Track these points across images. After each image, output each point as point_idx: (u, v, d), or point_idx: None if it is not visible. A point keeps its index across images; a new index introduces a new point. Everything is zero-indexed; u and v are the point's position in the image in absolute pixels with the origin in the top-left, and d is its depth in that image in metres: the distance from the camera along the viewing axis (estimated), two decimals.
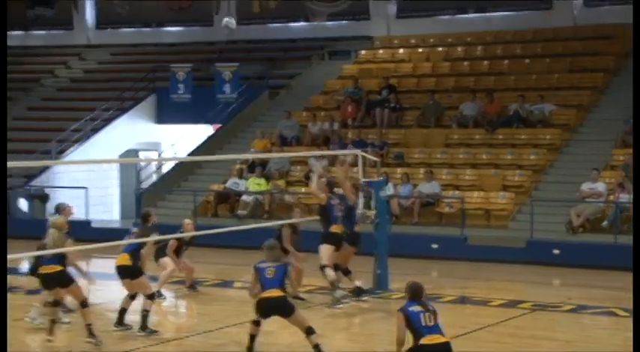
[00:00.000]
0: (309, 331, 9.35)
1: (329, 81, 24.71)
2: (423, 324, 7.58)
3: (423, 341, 7.47)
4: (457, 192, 19.11)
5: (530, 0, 24.07)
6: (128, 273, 10.84)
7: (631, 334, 11.28)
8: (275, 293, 9.33)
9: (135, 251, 10.82)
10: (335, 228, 12.80)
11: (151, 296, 10.77)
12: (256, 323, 9.41)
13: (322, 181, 13.47)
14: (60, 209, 11.78)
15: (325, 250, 12.51)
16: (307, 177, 20.09)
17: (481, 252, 17.08)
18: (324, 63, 26.17)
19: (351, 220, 12.99)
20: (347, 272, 13.03)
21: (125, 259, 10.85)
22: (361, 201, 14.20)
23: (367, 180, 14.32)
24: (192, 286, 13.83)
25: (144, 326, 10.65)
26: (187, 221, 13.88)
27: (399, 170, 20.12)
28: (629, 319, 12.08)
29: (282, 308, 9.35)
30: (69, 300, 11.36)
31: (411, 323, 7.61)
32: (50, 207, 22.28)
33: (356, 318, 12.14)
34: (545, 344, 10.40)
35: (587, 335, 11.38)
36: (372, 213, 14.09)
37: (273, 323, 9.92)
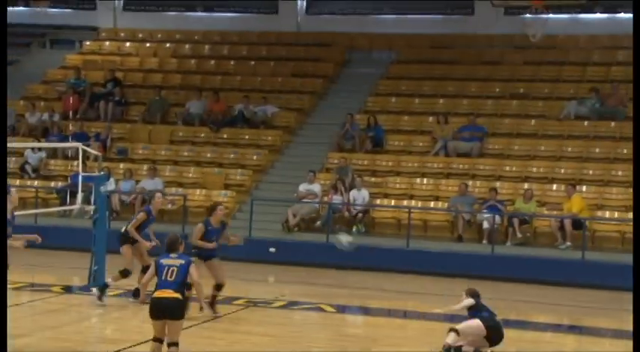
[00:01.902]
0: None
1: (50, 70, 23.78)
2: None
3: None
4: (180, 190, 19.17)
5: (258, 1, 24.69)
6: None
7: (339, 329, 12.05)
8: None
9: None
10: None
11: None
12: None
13: None
14: None
15: None
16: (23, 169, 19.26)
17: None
18: (46, 51, 25.15)
19: None
20: None
21: None
22: (80, 196, 13.85)
23: (88, 174, 13.97)
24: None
25: None
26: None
27: (121, 165, 19.81)
28: (336, 315, 12.84)
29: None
30: None
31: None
32: None
33: (66, 315, 11.81)
34: (257, 340, 10.74)
35: (297, 330, 11.91)
36: (90, 208, 13.78)
37: None
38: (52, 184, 19.56)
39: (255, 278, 15.85)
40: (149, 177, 19.10)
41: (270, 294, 14.04)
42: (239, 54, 24.17)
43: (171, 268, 8.35)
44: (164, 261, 8.44)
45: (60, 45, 25.10)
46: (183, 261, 8.46)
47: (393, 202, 18.38)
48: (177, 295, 8.22)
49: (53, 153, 20.33)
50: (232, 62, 23.84)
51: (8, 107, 21.60)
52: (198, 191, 19.20)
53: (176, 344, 8.24)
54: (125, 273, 12.28)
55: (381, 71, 22.76)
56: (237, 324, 11.60)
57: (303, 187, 18.41)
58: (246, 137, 20.87)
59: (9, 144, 19.64)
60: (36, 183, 19.73)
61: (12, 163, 20.27)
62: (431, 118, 20.47)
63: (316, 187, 18.37)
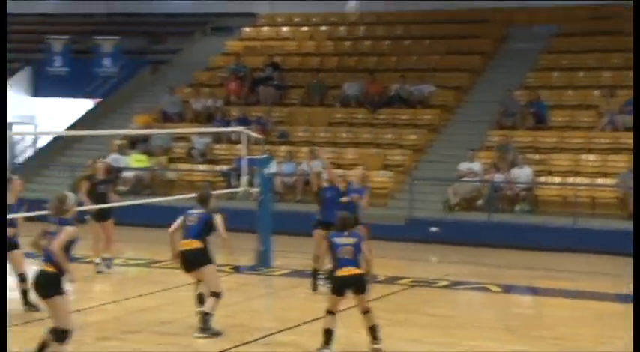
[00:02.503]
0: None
1: (212, 57, 24.49)
2: None
3: None
4: (340, 171, 19.31)
5: None
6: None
7: (506, 309, 11.83)
8: None
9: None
10: None
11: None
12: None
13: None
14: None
15: None
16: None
17: None
18: (207, 39, 25.91)
19: None
20: None
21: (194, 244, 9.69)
22: (245, 179, 14.23)
23: (251, 157, 14.32)
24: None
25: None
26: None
27: (282, 148, 20.19)
28: (502, 294, 12.60)
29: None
30: None
31: None
32: None
33: (239, 294, 12.16)
34: (422, 320, 10.70)
35: (462, 309, 11.79)
36: (255, 190, 14.14)
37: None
38: (218, 168, 20.19)
39: (418, 258, 15.80)
40: (309, 158, 19.32)
41: (434, 274, 13.94)
42: (394, 34, 24.07)
43: (347, 246, 8.70)
44: (338, 240, 8.73)
45: (220, 32, 25.81)
46: (356, 239, 8.78)
47: (557, 179, 17.83)
48: (361, 271, 8.68)
49: (218, 138, 20.97)
50: (387, 42, 23.77)
51: (175, 95, 22.50)
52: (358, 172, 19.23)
53: (369, 311, 8.81)
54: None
55: (541, 45, 22.08)
56: (401, 304, 11.58)
57: (463, 166, 18.17)
58: (404, 117, 20.78)
59: (177, 130, 20.56)
60: (202, 167, 20.42)
61: (180, 148, 21.10)
62: (596, 92, 19.70)
63: (477, 165, 18.08)
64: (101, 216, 13.14)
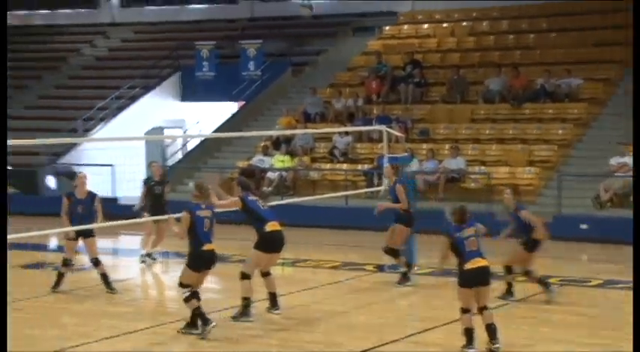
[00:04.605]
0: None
1: (353, 57, 24.61)
2: None
3: None
4: (483, 168, 19.02)
5: None
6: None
7: None
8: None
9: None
10: None
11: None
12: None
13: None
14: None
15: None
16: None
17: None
18: (349, 39, 26.06)
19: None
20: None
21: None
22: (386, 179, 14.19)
23: (392, 155, 14.28)
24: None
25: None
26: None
27: (424, 146, 20.05)
28: None
29: None
30: None
31: None
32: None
33: (382, 293, 12.15)
34: (574, 319, 10.37)
35: (613, 310, 11.33)
36: None
37: None
38: (359, 167, 20.26)
39: (568, 257, 15.32)
40: (451, 156, 19.15)
41: (585, 273, 13.47)
42: (538, 27, 23.44)
43: (471, 238, 8.70)
44: (461, 234, 8.67)
45: (362, 32, 25.90)
46: (476, 228, 8.81)
47: None
48: (487, 262, 8.71)
49: (359, 137, 21.05)
50: (532, 36, 23.18)
51: (317, 95, 22.77)
52: (501, 168, 18.91)
53: (487, 308, 8.74)
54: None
55: None
56: (548, 303, 11.25)
57: (614, 160, 17.48)
58: (550, 111, 20.21)
59: (319, 130, 20.79)
60: (344, 166, 20.57)
61: (322, 148, 21.32)
62: None
63: (629, 160, 17.34)
64: (156, 214, 13.60)
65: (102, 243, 16.94)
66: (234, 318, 10.20)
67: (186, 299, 9.46)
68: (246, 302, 10.23)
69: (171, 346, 9.36)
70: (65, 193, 12.12)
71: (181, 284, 9.53)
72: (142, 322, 10.15)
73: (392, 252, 12.46)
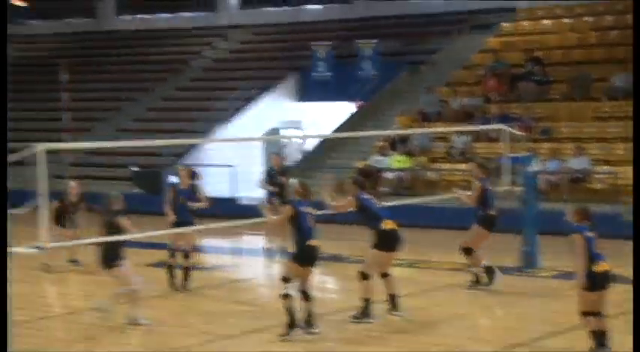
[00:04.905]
0: None
1: (470, 55, 24.26)
2: None
3: None
4: (609, 167, 18.40)
5: None
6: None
7: None
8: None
9: None
10: None
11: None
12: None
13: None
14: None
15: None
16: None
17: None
18: (465, 37, 25.70)
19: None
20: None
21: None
22: (506, 177, 13.92)
23: (513, 155, 14.00)
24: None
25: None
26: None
27: (545, 145, 19.56)
28: None
29: None
30: None
31: None
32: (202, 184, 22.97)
33: (503, 295, 11.91)
34: None
35: None
36: (518, 189, 13.80)
37: None
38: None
39: None
40: (574, 155, 18.61)
41: None
42: None
43: (596, 240, 8.43)
44: (590, 234, 8.38)
45: (479, 29, 25.49)
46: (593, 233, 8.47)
47: None
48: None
49: (477, 137, 20.73)
50: None
51: (433, 94, 22.55)
52: (629, 168, 18.23)
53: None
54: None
55: None
56: None
57: None
58: None
59: (436, 129, 20.59)
60: (462, 166, 20.28)
61: (439, 148, 21.09)
62: None
63: None
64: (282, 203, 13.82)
65: (223, 242, 17.46)
66: (355, 318, 10.21)
67: (284, 296, 9.52)
68: (366, 303, 10.21)
69: (291, 346, 9.43)
70: (171, 185, 12.59)
71: (284, 279, 9.60)
72: (263, 321, 10.28)
73: (466, 251, 12.09)
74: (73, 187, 14.09)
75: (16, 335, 8.31)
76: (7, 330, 7.83)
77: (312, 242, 9.60)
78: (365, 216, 10.36)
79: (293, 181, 12.16)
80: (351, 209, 10.38)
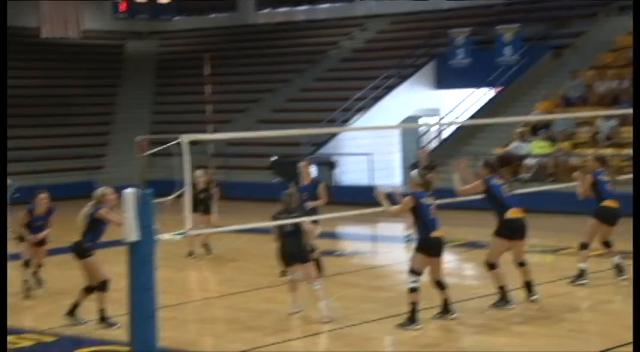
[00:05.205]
0: None
1: (618, 37, 23.30)
2: None
3: None
4: None
5: None
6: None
7: None
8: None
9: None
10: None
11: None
12: None
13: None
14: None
15: None
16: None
17: None
18: (613, 19, 24.70)
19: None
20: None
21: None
22: None
23: None
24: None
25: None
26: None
27: None
28: None
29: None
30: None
31: None
32: (338, 173, 23.22)
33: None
34: None
35: None
36: None
37: None
38: (625, 152, 19.13)
39: None
40: None
41: None
42: None
43: None
44: None
45: (628, 10, 24.43)
46: None
47: None
48: None
49: (624, 121, 19.88)
50: None
51: (577, 78, 21.78)
52: None
53: None
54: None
55: None
56: None
57: None
58: None
59: (581, 114, 19.87)
60: (608, 151, 19.49)
61: (584, 133, 20.38)
62: None
63: None
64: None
65: (362, 229, 17.51)
66: (495, 305, 10.02)
67: (411, 290, 9.40)
68: (502, 290, 10.00)
69: (425, 330, 9.34)
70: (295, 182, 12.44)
71: (412, 271, 9.48)
72: (400, 307, 10.22)
73: (581, 246, 11.33)
74: (199, 175, 14.34)
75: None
76: (6, 329, 8.09)
77: (436, 233, 9.46)
78: (492, 202, 10.13)
79: (413, 173, 11.97)
80: (478, 193, 10.16)
